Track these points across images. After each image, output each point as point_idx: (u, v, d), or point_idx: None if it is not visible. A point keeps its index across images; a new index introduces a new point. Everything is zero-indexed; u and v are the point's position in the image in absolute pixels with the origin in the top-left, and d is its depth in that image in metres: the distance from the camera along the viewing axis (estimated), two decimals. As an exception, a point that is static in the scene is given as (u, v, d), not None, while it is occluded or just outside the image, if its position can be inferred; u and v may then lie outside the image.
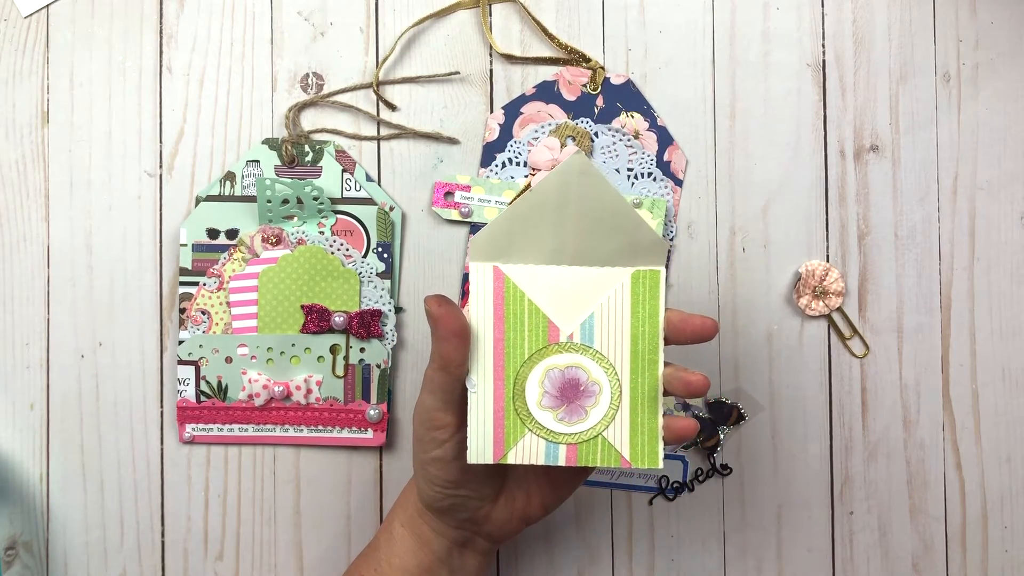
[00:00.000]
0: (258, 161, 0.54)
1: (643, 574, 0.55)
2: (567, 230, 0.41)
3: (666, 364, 0.41)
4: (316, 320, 0.53)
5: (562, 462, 0.41)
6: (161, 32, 0.55)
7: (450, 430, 0.42)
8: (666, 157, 0.55)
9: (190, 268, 0.54)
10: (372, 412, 0.53)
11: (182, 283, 0.54)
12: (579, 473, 0.46)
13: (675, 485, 0.55)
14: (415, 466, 0.45)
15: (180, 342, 0.53)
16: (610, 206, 0.41)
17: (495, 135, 0.55)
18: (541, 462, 0.41)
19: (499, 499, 0.45)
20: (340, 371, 0.54)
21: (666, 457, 0.55)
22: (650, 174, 0.55)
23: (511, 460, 0.41)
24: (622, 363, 0.41)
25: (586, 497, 0.55)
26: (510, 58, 0.55)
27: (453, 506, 0.44)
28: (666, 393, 0.42)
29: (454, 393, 0.41)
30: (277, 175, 0.54)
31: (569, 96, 0.55)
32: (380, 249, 0.54)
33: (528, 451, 0.41)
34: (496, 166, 0.55)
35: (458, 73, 0.55)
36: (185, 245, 0.54)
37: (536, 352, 0.41)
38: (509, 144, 0.55)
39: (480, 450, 0.41)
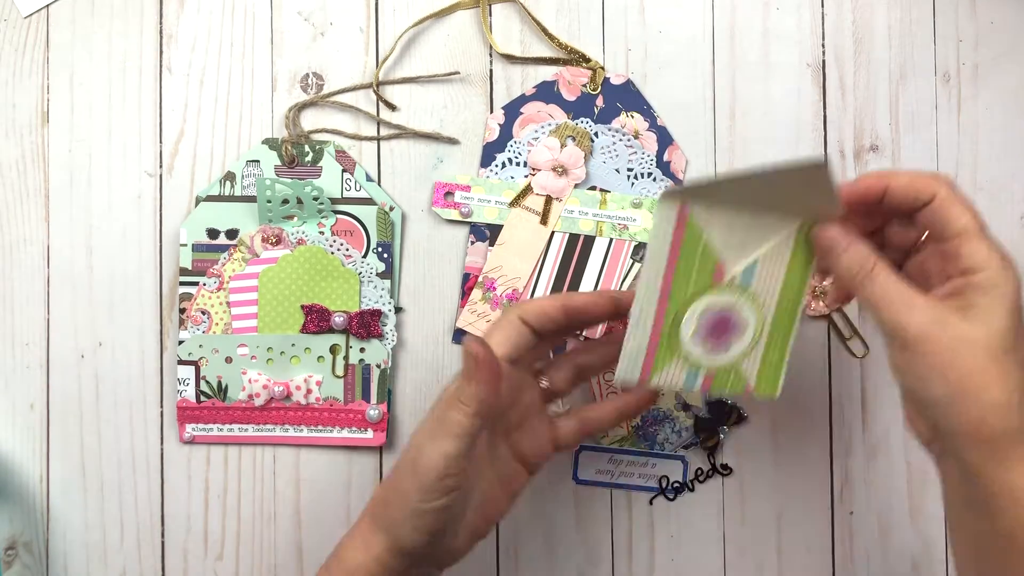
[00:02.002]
0: (258, 161, 0.54)
1: (643, 574, 0.55)
2: (755, 182, 0.40)
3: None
4: (316, 320, 0.53)
5: (698, 389, 0.44)
6: (161, 32, 0.55)
7: (462, 477, 0.40)
8: (666, 157, 0.55)
9: (190, 268, 0.54)
10: (372, 412, 0.53)
11: (182, 283, 0.54)
12: (522, 475, 0.45)
13: (675, 485, 0.55)
14: (402, 512, 0.41)
15: (180, 342, 0.53)
16: (807, 173, 0.39)
17: (495, 135, 0.55)
18: (680, 387, 0.44)
19: (459, 531, 0.43)
20: (340, 371, 0.54)
21: (667, 457, 0.55)
22: (650, 174, 0.55)
23: (654, 383, 0.43)
24: (769, 305, 0.43)
25: (586, 497, 0.55)
26: (510, 58, 0.55)
27: (427, 554, 0.42)
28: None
29: (479, 438, 0.40)
30: (277, 175, 0.54)
31: (569, 96, 0.55)
32: (380, 249, 0.54)
33: (670, 377, 0.44)
34: (496, 166, 0.55)
35: (458, 73, 0.55)
36: (185, 245, 0.54)
37: (699, 290, 0.42)
38: (509, 144, 0.55)
39: (628, 373, 0.43)
